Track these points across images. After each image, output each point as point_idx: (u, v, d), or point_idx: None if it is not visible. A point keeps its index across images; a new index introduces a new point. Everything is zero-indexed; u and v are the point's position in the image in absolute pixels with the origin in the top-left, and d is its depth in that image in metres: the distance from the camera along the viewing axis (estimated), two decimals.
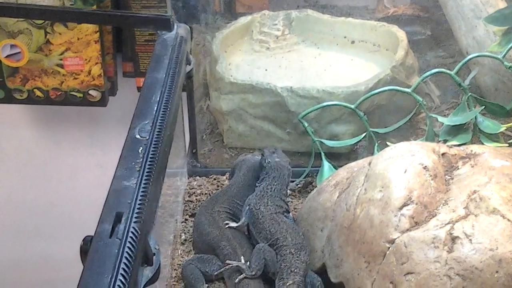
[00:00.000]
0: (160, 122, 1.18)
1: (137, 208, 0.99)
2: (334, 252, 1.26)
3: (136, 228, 0.96)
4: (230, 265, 1.34)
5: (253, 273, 1.32)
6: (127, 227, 0.95)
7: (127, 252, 0.91)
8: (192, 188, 1.68)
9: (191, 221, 1.57)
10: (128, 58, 2.31)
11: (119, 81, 2.31)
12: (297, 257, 1.33)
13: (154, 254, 1.01)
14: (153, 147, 1.12)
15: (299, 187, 1.68)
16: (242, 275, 1.32)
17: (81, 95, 2.18)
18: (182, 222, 1.58)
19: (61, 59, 2.13)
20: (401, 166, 1.21)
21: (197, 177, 1.74)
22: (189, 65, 1.55)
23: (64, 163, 2.58)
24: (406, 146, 1.27)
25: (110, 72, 2.25)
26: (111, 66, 2.25)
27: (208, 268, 1.39)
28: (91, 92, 2.18)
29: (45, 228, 2.68)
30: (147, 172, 1.07)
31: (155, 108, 1.22)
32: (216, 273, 1.38)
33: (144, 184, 1.04)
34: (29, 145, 2.56)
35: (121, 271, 0.88)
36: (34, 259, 2.75)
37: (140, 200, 1.01)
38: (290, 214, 1.47)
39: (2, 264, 2.74)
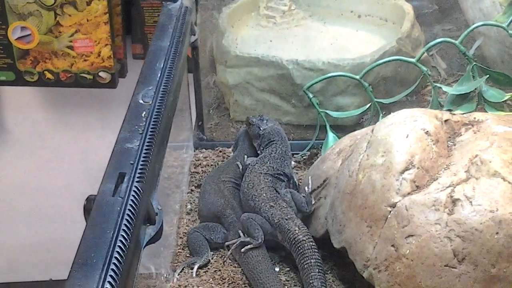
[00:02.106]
0: (163, 88, 1.20)
1: (140, 169, 1.00)
2: (337, 218, 1.27)
3: (139, 188, 0.97)
4: (235, 244, 1.36)
5: (259, 241, 1.33)
6: (129, 186, 0.97)
7: (129, 209, 0.93)
8: (198, 160, 1.70)
9: (197, 191, 1.59)
10: (137, 39, 2.33)
11: (129, 63, 2.32)
12: (279, 206, 1.36)
13: (157, 214, 1.02)
14: (156, 112, 1.13)
15: (304, 158, 1.69)
16: (248, 246, 1.33)
17: (91, 77, 2.20)
18: (188, 193, 1.60)
19: (71, 41, 2.14)
20: (403, 131, 1.22)
21: (203, 150, 1.75)
22: (194, 35, 1.56)
23: (75, 145, 2.60)
24: (408, 112, 1.28)
25: (120, 54, 2.26)
26: (121, 48, 2.26)
27: (213, 236, 1.41)
28: (101, 74, 2.19)
29: (58, 210, 2.71)
30: (149, 135, 1.08)
31: (159, 74, 1.23)
32: (228, 253, 1.38)
33: (146, 146, 1.05)
34: (40, 127, 2.58)
35: (123, 227, 0.90)
36: (48, 241, 2.77)
37: (142, 161, 1.02)
38: (294, 178, 1.49)
39: (18, 247, 2.77)
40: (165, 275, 1.32)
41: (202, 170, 1.66)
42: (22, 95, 2.47)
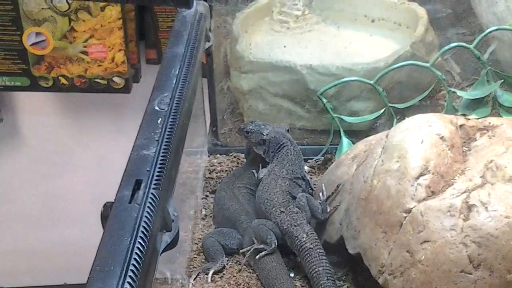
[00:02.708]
0: (179, 95, 1.20)
1: (156, 176, 1.01)
2: (351, 224, 1.27)
3: (155, 194, 0.98)
4: (249, 252, 1.36)
5: (272, 246, 1.33)
6: (146, 193, 0.97)
7: (146, 217, 0.93)
8: (213, 166, 1.70)
9: (211, 197, 1.60)
10: (151, 45, 2.34)
11: (143, 68, 2.34)
12: (290, 211, 1.36)
13: (173, 220, 1.03)
14: (172, 118, 1.14)
15: (318, 164, 1.69)
16: (262, 253, 1.33)
17: (105, 82, 2.21)
18: (202, 199, 1.61)
19: (85, 46, 2.16)
20: (418, 137, 1.22)
21: (218, 155, 1.76)
22: (208, 41, 1.57)
23: (89, 150, 2.62)
24: (423, 117, 1.28)
25: (134, 59, 2.28)
26: (135, 53, 2.28)
27: (228, 241, 1.42)
28: (115, 79, 2.21)
29: (72, 215, 2.72)
30: (165, 141, 1.08)
31: (174, 81, 1.24)
32: (243, 261, 1.39)
33: (163, 153, 1.06)
34: (54, 132, 2.60)
35: (140, 234, 0.90)
36: (62, 246, 2.79)
37: (159, 168, 1.03)
38: (309, 179, 1.49)
39: (32, 251, 2.78)
40: (180, 281, 1.32)
41: (216, 176, 1.66)
42: (36, 100, 2.49)
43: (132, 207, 0.95)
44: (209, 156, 1.76)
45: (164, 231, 1.01)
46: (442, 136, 1.22)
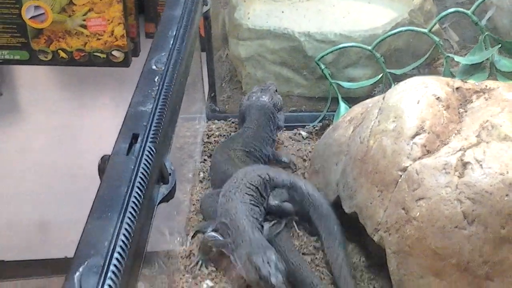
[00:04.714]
0: (176, 54, 1.21)
1: (153, 130, 1.02)
2: (348, 184, 1.28)
3: (152, 147, 0.99)
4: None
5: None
6: (143, 146, 0.98)
7: (142, 168, 0.95)
8: (211, 131, 1.71)
9: (209, 161, 1.61)
10: (150, 18, 2.33)
11: (142, 42, 2.33)
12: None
13: (170, 174, 1.04)
14: (169, 77, 1.15)
15: (316, 129, 1.70)
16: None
17: (104, 55, 2.21)
18: (201, 162, 1.61)
19: (84, 20, 2.15)
20: (414, 98, 1.22)
21: (216, 121, 1.77)
22: (206, 5, 1.57)
23: (89, 124, 2.62)
24: (420, 79, 1.28)
25: (133, 33, 2.27)
26: (134, 26, 2.27)
27: None
28: (114, 52, 2.20)
29: (72, 188, 2.73)
30: (162, 98, 1.09)
31: (171, 42, 1.24)
32: None
33: (159, 109, 1.07)
34: (53, 106, 2.59)
35: (136, 184, 0.91)
36: (63, 220, 2.80)
37: (156, 122, 1.04)
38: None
39: (33, 225, 2.79)
40: (178, 238, 1.34)
41: (214, 140, 1.67)
42: (36, 74, 2.49)
43: (129, 158, 0.96)
44: (207, 122, 1.77)
45: (161, 183, 1.02)
46: (438, 97, 1.22)
